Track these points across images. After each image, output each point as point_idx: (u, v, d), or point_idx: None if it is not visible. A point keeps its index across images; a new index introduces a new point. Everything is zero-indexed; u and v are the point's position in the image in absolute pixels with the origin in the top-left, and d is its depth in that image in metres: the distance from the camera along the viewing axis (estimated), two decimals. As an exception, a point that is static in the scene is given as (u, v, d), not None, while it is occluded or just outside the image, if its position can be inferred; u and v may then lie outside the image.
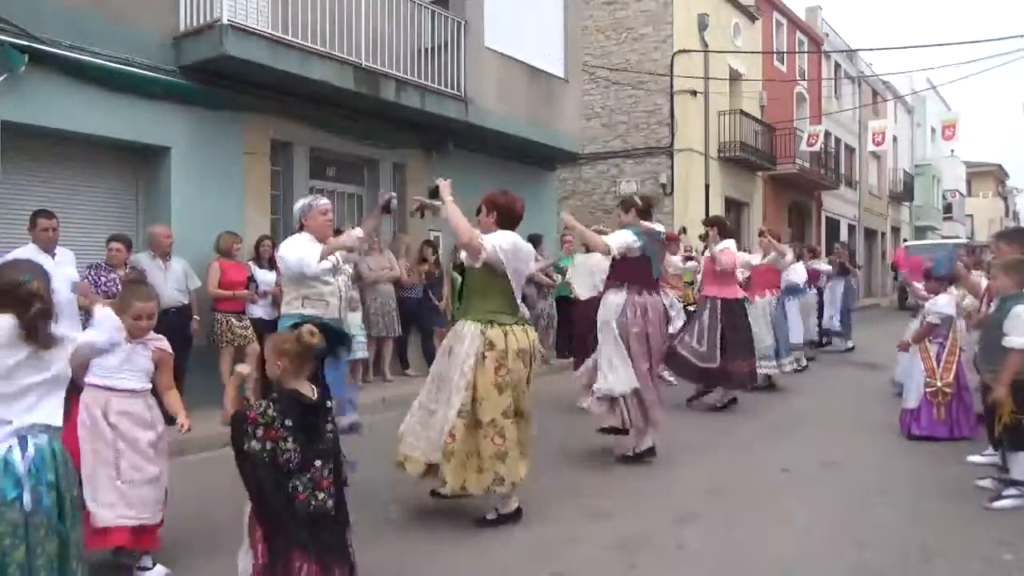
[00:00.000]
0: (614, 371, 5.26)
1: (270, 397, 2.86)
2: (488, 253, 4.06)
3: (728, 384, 7.41)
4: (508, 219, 4.28)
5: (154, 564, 3.56)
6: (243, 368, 3.02)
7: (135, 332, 3.47)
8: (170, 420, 3.73)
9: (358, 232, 4.84)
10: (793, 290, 10.07)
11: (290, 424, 2.76)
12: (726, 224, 7.97)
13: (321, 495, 2.80)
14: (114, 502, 3.34)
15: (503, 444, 4.02)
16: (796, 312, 10.03)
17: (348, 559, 2.94)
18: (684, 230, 12.68)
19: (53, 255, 5.64)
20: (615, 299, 5.37)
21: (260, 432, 2.73)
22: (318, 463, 2.82)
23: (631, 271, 5.40)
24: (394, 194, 5.10)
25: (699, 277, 7.86)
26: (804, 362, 9.23)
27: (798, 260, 10.34)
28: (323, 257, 4.54)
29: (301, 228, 4.77)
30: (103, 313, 2.80)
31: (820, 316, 11.75)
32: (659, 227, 5.70)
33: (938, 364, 6.15)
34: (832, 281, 12.10)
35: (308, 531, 2.77)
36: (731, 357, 7.22)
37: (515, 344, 4.07)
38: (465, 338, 4.10)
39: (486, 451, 4.02)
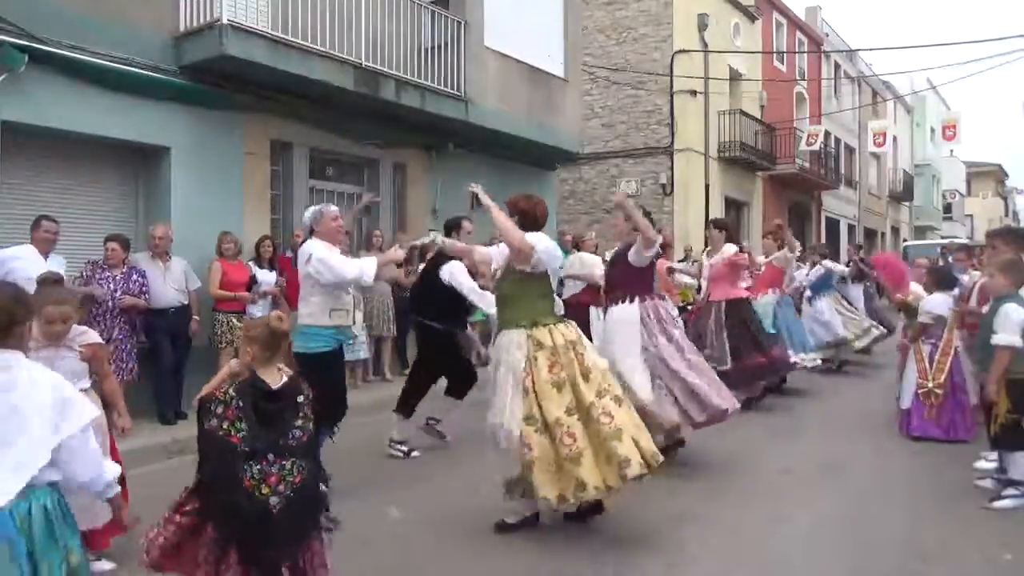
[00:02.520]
0: (640, 383, 5.00)
1: (234, 380, 2.82)
2: (537, 257, 4.05)
3: (750, 380, 7.33)
4: (531, 223, 4.25)
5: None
6: (235, 364, 2.95)
7: (49, 336, 3.32)
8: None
9: (400, 253, 5.12)
10: (817, 287, 10.09)
11: (242, 405, 2.69)
12: (731, 228, 7.97)
13: (266, 490, 2.68)
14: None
15: (574, 444, 3.81)
16: (827, 307, 9.99)
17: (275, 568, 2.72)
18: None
19: (47, 259, 5.67)
20: (630, 312, 5.14)
21: (220, 410, 2.69)
22: (270, 456, 2.71)
23: (637, 280, 5.21)
24: (377, 199, 5.18)
25: (703, 282, 7.81)
26: (818, 361, 9.10)
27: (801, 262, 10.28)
28: (379, 269, 4.71)
29: (311, 234, 4.81)
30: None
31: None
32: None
33: (931, 365, 6.12)
34: (849, 286, 11.82)
35: (237, 522, 2.66)
36: (751, 353, 7.17)
37: (562, 339, 4.02)
38: (511, 347, 4.03)
39: (561, 454, 3.83)
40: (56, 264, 5.71)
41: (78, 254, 6.73)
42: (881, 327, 10.32)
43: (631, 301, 5.12)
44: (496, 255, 4.43)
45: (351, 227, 4.99)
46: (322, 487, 2.98)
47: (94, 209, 7.17)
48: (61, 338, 3.39)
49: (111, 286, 6.21)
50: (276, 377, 2.85)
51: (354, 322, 4.86)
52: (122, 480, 3.56)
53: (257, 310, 7.43)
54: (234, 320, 7.17)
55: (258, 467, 2.69)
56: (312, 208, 4.95)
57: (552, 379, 3.92)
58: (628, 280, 5.19)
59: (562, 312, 4.45)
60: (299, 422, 2.83)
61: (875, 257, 10.70)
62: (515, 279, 4.14)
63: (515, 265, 4.13)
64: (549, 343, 3.98)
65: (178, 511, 2.77)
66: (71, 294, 3.63)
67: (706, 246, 7.77)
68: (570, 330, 4.11)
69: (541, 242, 4.15)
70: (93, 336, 3.59)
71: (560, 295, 7.46)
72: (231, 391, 2.72)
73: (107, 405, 3.66)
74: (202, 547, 2.70)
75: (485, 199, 4.22)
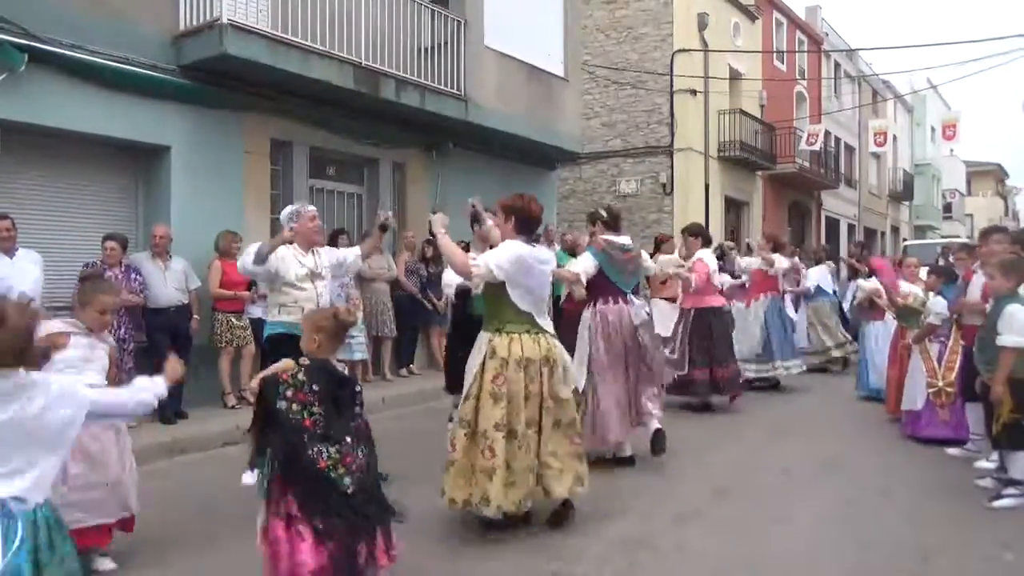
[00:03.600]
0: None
1: (299, 363, 2.89)
2: (481, 274, 4.05)
3: (689, 392, 7.37)
4: (526, 222, 4.21)
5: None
6: (289, 362, 2.95)
7: (98, 325, 3.43)
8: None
9: (287, 236, 4.84)
10: (807, 294, 10.15)
11: (317, 389, 2.78)
12: (706, 233, 7.89)
13: (342, 470, 2.77)
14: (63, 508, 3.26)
15: (492, 459, 3.86)
16: (802, 317, 10.08)
17: (351, 547, 2.80)
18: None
19: (12, 256, 5.56)
20: (583, 318, 5.49)
21: (290, 393, 2.76)
22: (348, 439, 2.82)
23: (592, 290, 5.48)
24: (390, 213, 5.21)
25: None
26: (803, 367, 9.13)
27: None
28: (260, 255, 4.63)
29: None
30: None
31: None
32: (623, 239, 5.66)
33: (939, 364, 6.11)
34: (849, 283, 11.91)
35: (318, 504, 2.74)
36: (705, 366, 7.26)
37: (518, 353, 3.98)
38: (475, 349, 4.13)
39: (478, 464, 3.90)
40: (28, 259, 5.60)
41: (78, 254, 6.73)
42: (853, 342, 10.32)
43: (587, 308, 5.47)
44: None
45: (376, 248, 4.95)
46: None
47: (94, 209, 7.17)
48: (106, 328, 3.52)
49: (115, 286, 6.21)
50: (340, 365, 2.97)
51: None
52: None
53: (257, 310, 7.43)
54: (233, 319, 7.17)
55: (335, 448, 2.78)
56: (290, 207, 4.98)
57: (492, 390, 3.94)
58: (591, 286, 5.47)
59: (549, 327, 4.37)
60: (358, 409, 2.96)
61: (871, 260, 10.67)
62: (486, 287, 4.16)
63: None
64: (503, 354, 3.97)
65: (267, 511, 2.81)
66: (117, 288, 3.76)
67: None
68: (537, 348, 4.03)
69: (504, 258, 4.02)
70: (111, 340, 3.72)
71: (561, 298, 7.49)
72: (300, 376, 2.79)
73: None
74: (281, 522, 2.74)
75: (437, 227, 4.23)
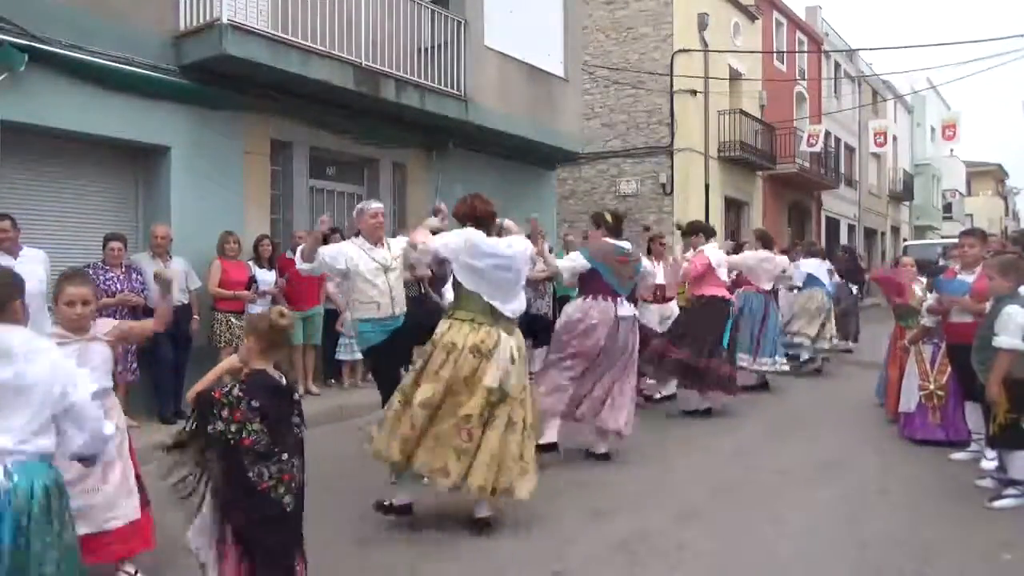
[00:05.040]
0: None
1: (236, 378, 2.75)
2: (425, 249, 4.23)
3: (705, 384, 7.18)
4: (474, 221, 4.26)
5: (135, 572, 3.47)
6: (234, 359, 2.87)
7: (72, 322, 3.22)
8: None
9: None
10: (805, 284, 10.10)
11: (256, 405, 2.61)
12: (707, 228, 7.94)
13: (282, 490, 2.65)
14: None
15: (411, 433, 3.99)
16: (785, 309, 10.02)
17: (290, 568, 2.75)
18: (679, 225, 12.48)
19: (16, 256, 5.51)
20: (568, 308, 5.63)
21: (225, 413, 2.58)
22: (285, 455, 2.67)
23: (587, 286, 5.58)
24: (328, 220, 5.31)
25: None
26: (786, 367, 9.03)
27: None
28: (302, 254, 4.98)
29: (358, 233, 5.15)
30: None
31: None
32: (624, 244, 5.72)
33: (932, 367, 6.11)
34: (841, 282, 11.89)
35: (260, 528, 2.62)
36: (697, 355, 7.12)
37: (468, 341, 4.03)
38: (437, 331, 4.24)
39: (400, 430, 4.06)
40: (33, 258, 5.60)
41: (77, 254, 6.73)
42: (839, 340, 10.24)
43: (581, 299, 5.56)
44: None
45: (312, 251, 5.11)
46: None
47: (94, 209, 7.17)
48: (83, 322, 3.26)
49: (117, 286, 6.21)
50: (277, 375, 2.79)
51: (395, 313, 4.98)
52: (145, 502, 3.49)
53: (256, 310, 7.43)
54: (233, 320, 7.17)
55: (276, 466, 2.65)
56: (358, 205, 5.30)
57: (433, 370, 4.04)
58: (583, 283, 5.60)
59: (509, 315, 4.39)
60: (296, 419, 2.79)
61: (873, 275, 10.59)
62: (454, 278, 4.33)
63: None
64: (449, 340, 4.06)
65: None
66: (91, 280, 3.60)
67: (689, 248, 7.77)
68: (490, 338, 4.05)
69: (453, 239, 4.19)
70: (109, 322, 3.52)
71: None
72: (236, 391, 2.62)
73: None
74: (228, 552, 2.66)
75: (441, 215, 4.61)
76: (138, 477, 3.53)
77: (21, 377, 2.22)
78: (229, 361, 2.93)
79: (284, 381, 2.81)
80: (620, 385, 5.50)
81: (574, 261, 5.58)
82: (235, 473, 2.62)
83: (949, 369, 5.89)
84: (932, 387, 6.06)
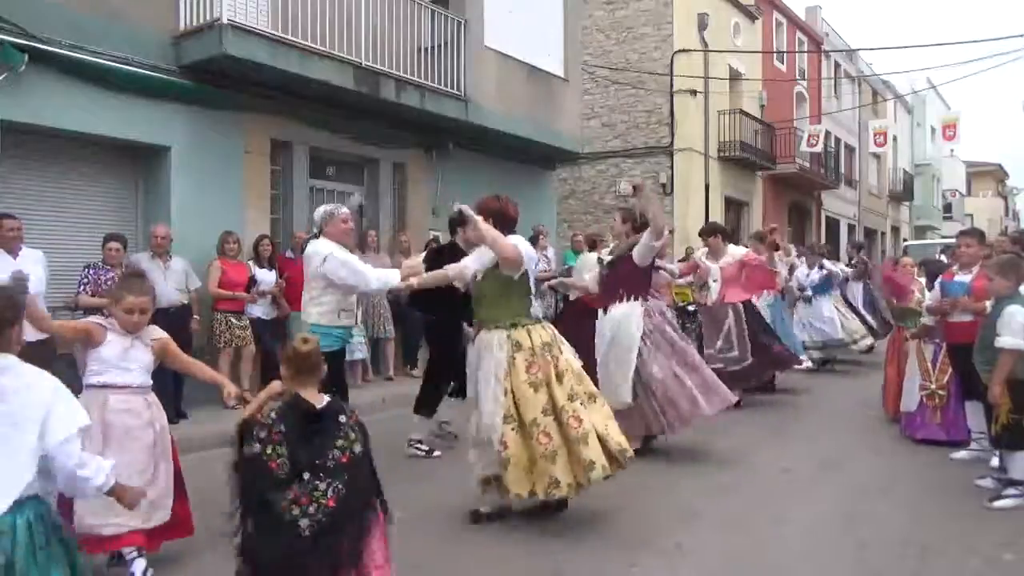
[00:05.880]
0: (624, 387, 5.30)
1: (275, 401, 2.77)
2: (519, 260, 4.14)
3: (771, 368, 7.66)
4: (502, 223, 4.28)
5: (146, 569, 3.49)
6: (277, 385, 2.86)
7: (127, 326, 3.43)
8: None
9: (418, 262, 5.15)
10: (819, 288, 10.07)
11: (283, 430, 2.62)
12: (725, 230, 8.09)
13: (297, 512, 2.58)
14: (97, 510, 3.21)
15: (549, 443, 3.97)
16: (827, 308, 10.01)
17: None
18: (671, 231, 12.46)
19: (16, 256, 5.59)
20: (633, 311, 5.38)
21: (263, 434, 2.61)
22: (305, 476, 2.63)
23: (639, 279, 5.43)
24: (361, 196, 5.22)
25: (712, 283, 7.79)
26: (809, 363, 9.15)
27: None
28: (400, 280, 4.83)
29: (319, 234, 4.93)
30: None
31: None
32: None
33: (933, 367, 6.10)
34: (850, 284, 11.76)
35: (278, 547, 2.59)
36: (766, 345, 7.38)
37: (539, 340, 4.12)
38: (492, 347, 4.14)
39: (536, 452, 3.99)
40: (31, 259, 5.62)
41: (78, 254, 6.73)
42: (875, 330, 10.35)
43: (633, 300, 5.36)
44: (474, 259, 4.37)
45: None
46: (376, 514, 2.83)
47: (94, 209, 7.17)
48: (139, 328, 3.48)
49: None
50: (317, 398, 2.76)
51: (357, 322, 4.94)
52: (180, 483, 3.66)
53: (257, 310, 7.43)
54: (233, 320, 7.17)
55: (297, 487, 2.61)
56: (323, 207, 5.05)
57: (529, 379, 4.04)
58: (630, 280, 5.38)
59: (539, 315, 4.44)
60: (340, 442, 2.72)
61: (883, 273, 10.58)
62: (496, 280, 4.21)
63: (503, 270, 4.18)
64: (528, 344, 4.09)
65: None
66: (151, 288, 3.67)
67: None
68: (546, 332, 4.22)
69: (522, 244, 4.23)
70: (159, 331, 3.64)
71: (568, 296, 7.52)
72: (272, 414, 2.64)
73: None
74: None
75: (471, 214, 4.25)
76: (178, 472, 3.70)
77: (9, 415, 2.14)
78: (271, 387, 2.90)
79: (323, 403, 2.76)
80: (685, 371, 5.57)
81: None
82: (258, 497, 2.63)
83: (950, 369, 5.88)
84: (933, 387, 6.04)
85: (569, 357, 4.22)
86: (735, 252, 7.62)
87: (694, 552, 3.88)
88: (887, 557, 3.81)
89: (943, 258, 8.94)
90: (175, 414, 6.60)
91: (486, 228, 4.15)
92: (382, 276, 4.92)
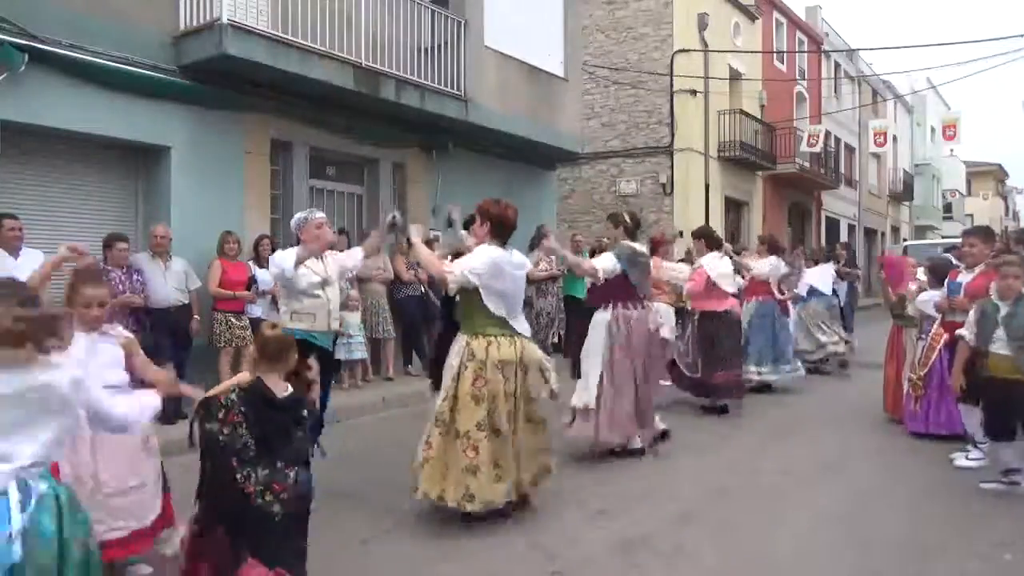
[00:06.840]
0: (587, 389, 5.49)
1: (239, 384, 2.84)
2: (456, 280, 4.15)
3: (714, 395, 7.35)
4: (501, 228, 4.29)
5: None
6: (245, 374, 2.93)
7: (88, 321, 3.26)
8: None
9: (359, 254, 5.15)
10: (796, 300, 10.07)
11: (245, 412, 2.72)
12: (712, 236, 7.84)
13: (269, 497, 2.70)
14: (101, 518, 3.16)
15: (475, 458, 4.02)
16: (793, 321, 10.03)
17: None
18: (680, 233, 12.55)
19: (17, 256, 5.62)
20: (601, 318, 5.55)
21: (221, 414, 2.71)
22: (278, 464, 2.74)
23: (612, 290, 5.58)
24: (398, 213, 5.17)
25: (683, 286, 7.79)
26: (802, 371, 9.11)
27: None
28: (297, 264, 4.66)
29: (299, 241, 4.89)
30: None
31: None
32: (641, 247, 5.81)
33: (918, 360, 6.16)
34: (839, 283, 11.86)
35: (250, 531, 2.69)
36: (710, 370, 7.21)
37: (496, 355, 4.11)
38: (452, 351, 4.25)
39: (459, 463, 4.04)
40: (32, 259, 5.62)
41: (78, 254, 6.72)
42: (847, 338, 10.35)
43: (605, 308, 5.55)
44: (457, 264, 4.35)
45: (379, 247, 5.34)
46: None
47: (94, 209, 7.17)
48: (99, 323, 3.34)
49: (119, 287, 6.20)
50: (280, 388, 2.84)
51: (328, 329, 4.80)
52: (165, 488, 3.63)
53: (257, 310, 7.43)
54: (233, 320, 7.17)
55: (264, 472, 2.71)
56: (298, 214, 4.99)
57: (473, 392, 4.07)
58: (604, 291, 5.61)
59: (526, 332, 4.42)
60: (299, 434, 2.85)
61: (882, 257, 10.65)
62: (462, 292, 4.24)
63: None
64: (481, 357, 4.11)
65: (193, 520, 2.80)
66: (107, 282, 3.66)
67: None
68: (514, 349, 4.18)
69: (479, 262, 4.15)
70: (123, 331, 3.59)
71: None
72: (233, 396, 2.74)
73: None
74: (213, 552, 2.72)
75: (414, 235, 4.45)
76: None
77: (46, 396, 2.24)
78: (239, 376, 2.98)
79: (286, 393, 2.85)
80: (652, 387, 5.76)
81: (608, 262, 5.57)
82: (223, 473, 2.71)
83: (931, 362, 5.97)
84: (915, 377, 6.11)
85: (530, 385, 4.22)
86: (708, 262, 7.35)
87: (694, 552, 3.88)
88: (887, 558, 3.82)
89: (950, 257, 8.97)
90: (174, 413, 6.61)
91: (419, 249, 4.37)
92: (299, 254, 4.72)
